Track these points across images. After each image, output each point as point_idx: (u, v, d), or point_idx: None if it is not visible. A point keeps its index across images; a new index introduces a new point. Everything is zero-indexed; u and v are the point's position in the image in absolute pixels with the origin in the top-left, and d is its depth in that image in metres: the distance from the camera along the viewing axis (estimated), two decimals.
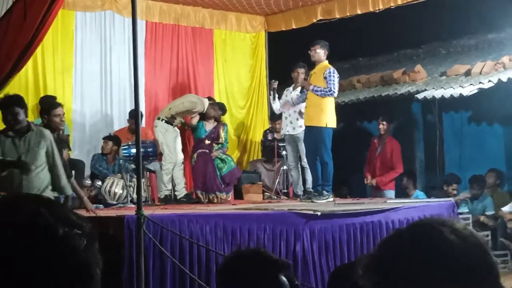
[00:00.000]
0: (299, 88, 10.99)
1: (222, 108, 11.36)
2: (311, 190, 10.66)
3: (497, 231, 11.09)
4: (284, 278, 3.11)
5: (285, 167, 11.71)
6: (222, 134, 10.95)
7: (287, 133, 11.16)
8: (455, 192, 11.93)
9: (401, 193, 12.31)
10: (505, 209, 11.27)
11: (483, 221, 11.09)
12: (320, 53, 10.28)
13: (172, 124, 10.75)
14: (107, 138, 10.78)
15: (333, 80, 10.03)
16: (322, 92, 10.01)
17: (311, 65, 10.57)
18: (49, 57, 11.32)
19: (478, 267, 1.47)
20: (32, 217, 1.28)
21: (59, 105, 8.22)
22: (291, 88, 11.31)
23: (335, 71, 10.14)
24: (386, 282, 1.48)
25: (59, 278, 1.27)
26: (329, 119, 10.07)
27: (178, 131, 10.97)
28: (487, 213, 11.42)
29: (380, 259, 1.52)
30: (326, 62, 10.30)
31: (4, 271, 1.24)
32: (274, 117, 12.43)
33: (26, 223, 1.27)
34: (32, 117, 10.96)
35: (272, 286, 3.09)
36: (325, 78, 10.06)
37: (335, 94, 10.15)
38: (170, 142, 10.67)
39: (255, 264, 3.11)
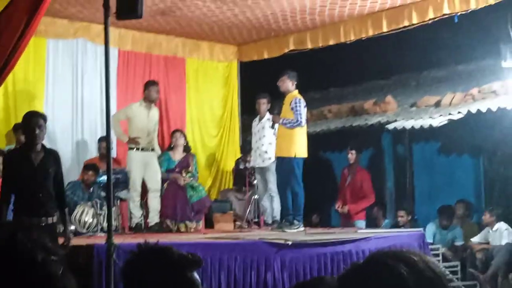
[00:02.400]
0: (264, 119, 11.07)
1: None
2: (277, 219, 10.66)
3: (466, 262, 11.13)
4: (196, 275, 3.04)
5: (256, 196, 11.69)
6: (192, 164, 10.95)
7: (257, 165, 11.19)
8: (402, 219, 12.04)
9: (371, 223, 12.34)
10: (474, 240, 11.33)
11: (445, 253, 11.08)
12: (287, 83, 10.32)
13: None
14: (88, 168, 10.68)
15: (299, 111, 10.07)
16: (290, 124, 10.06)
17: (281, 95, 10.59)
18: (20, 84, 11.25)
19: None
20: (9, 242, 1.26)
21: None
22: (257, 119, 11.37)
23: (301, 100, 10.17)
24: None
25: None
26: (298, 149, 10.10)
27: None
28: (456, 243, 11.47)
29: None
30: (295, 92, 10.33)
31: None
32: (245, 149, 12.45)
33: (2, 247, 1.25)
34: (2, 144, 10.88)
35: (181, 284, 3.00)
36: (292, 109, 10.11)
37: (303, 124, 10.17)
38: (133, 170, 10.63)
39: (161, 259, 3.03)
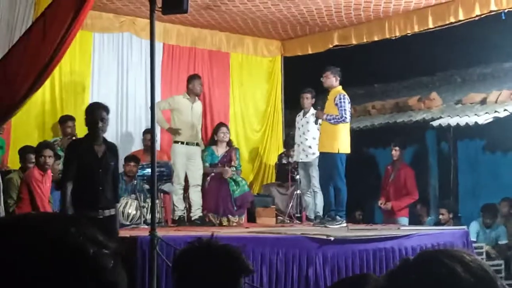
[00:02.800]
0: (308, 114, 11.06)
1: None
2: (320, 215, 10.64)
3: (510, 261, 11.01)
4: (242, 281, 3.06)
5: (298, 191, 11.67)
6: (235, 158, 10.96)
7: (300, 160, 11.17)
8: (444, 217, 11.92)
9: (415, 220, 12.26)
10: None
11: (489, 251, 10.96)
12: (331, 79, 10.29)
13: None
14: (129, 159, 10.74)
15: (344, 106, 10.02)
16: (335, 120, 10.01)
17: (324, 90, 10.57)
18: (66, 77, 11.38)
19: None
20: (62, 236, 1.27)
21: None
22: (301, 114, 11.36)
23: (345, 96, 10.13)
24: None
25: None
26: (341, 145, 10.06)
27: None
28: (500, 242, 11.34)
29: None
30: (339, 87, 10.30)
31: None
32: (288, 144, 12.43)
33: (56, 242, 1.26)
34: (49, 136, 11.01)
35: (230, 286, 3.02)
36: (336, 104, 10.07)
37: (348, 120, 10.13)
38: (177, 163, 10.66)
39: (219, 258, 3.05)
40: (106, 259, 1.30)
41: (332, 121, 10.03)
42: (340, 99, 10.05)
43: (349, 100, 10.16)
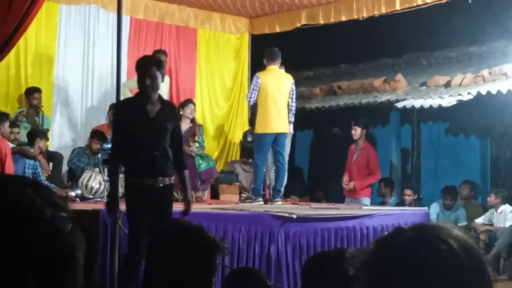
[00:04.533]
0: None
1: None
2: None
3: None
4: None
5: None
6: (199, 134, 10.95)
7: None
8: (409, 198, 12.06)
9: (376, 200, 12.35)
10: (478, 220, 11.35)
11: None
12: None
13: None
14: (94, 135, 10.66)
15: (250, 86, 10.39)
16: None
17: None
18: (31, 49, 11.25)
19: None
20: (19, 198, 1.26)
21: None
22: None
23: (257, 76, 10.33)
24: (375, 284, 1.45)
25: (45, 260, 1.25)
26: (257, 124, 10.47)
27: None
28: (460, 224, 11.48)
29: (374, 260, 1.46)
30: (267, 67, 10.42)
31: None
32: (253, 122, 12.43)
33: (12, 203, 1.25)
34: (13, 108, 10.91)
35: (205, 266, 3.03)
36: None
37: (248, 99, 10.47)
38: None
39: (194, 239, 3.06)
40: (64, 222, 1.29)
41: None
42: (253, 78, 10.28)
43: (258, 82, 10.20)
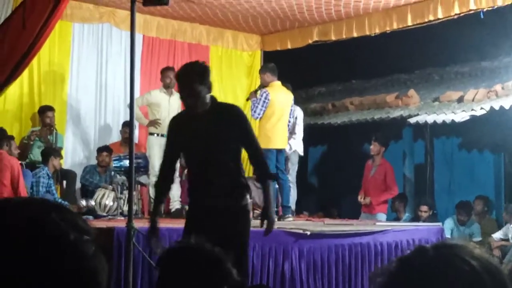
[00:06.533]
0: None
1: None
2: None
3: None
4: None
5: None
6: None
7: None
8: (425, 214, 12.00)
9: (390, 216, 12.31)
10: (496, 235, 11.25)
11: None
12: (263, 77, 10.41)
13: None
14: (101, 149, 10.74)
15: (257, 101, 10.16)
16: (252, 110, 10.25)
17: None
18: (45, 67, 11.32)
19: None
20: (43, 222, 1.26)
21: None
22: None
23: (266, 92, 10.13)
24: None
25: (69, 284, 1.25)
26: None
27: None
28: (474, 239, 11.41)
29: (396, 280, 1.44)
30: (272, 83, 10.30)
31: (11, 276, 1.22)
32: None
33: (36, 227, 1.25)
34: (27, 126, 10.97)
35: None
36: None
37: (255, 116, 10.17)
38: (153, 155, 10.60)
39: (210, 272, 2.99)
40: (87, 246, 1.29)
41: (252, 108, 10.17)
42: (261, 93, 10.15)
43: (268, 98, 10.10)
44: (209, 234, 5.09)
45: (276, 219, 5.76)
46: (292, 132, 10.89)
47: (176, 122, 5.89)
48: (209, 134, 5.56)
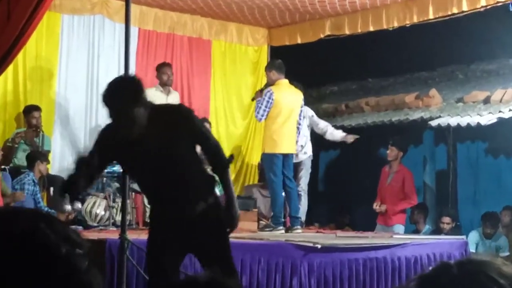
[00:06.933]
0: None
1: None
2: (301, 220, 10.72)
3: None
4: None
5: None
6: None
7: None
8: (448, 226, 11.98)
9: (409, 228, 12.28)
10: None
11: None
12: (268, 74, 10.43)
13: None
14: None
15: (261, 102, 10.17)
16: (256, 110, 10.33)
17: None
18: (31, 63, 11.32)
19: None
20: (31, 233, 1.26)
21: None
22: None
23: (270, 92, 10.13)
24: None
25: None
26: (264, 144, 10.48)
27: None
28: (502, 254, 11.39)
29: None
30: (278, 81, 10.30)
31: None
32: None
33: (24, 239, 1.25)
34: (11, 128, 10.97)
35: None
36: None
37: (258, 117, 10.24)
38: None
39: None
40: (80, 260, 1.29)
41: (256, 109, 10.22)
42: (265, 93, 10.17)
43: (272, 99, 10.09)
44: (188, 247, 5.41)
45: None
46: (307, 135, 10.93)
47: (111, 138, 5.67)
48: (158, 150, 5.34)
